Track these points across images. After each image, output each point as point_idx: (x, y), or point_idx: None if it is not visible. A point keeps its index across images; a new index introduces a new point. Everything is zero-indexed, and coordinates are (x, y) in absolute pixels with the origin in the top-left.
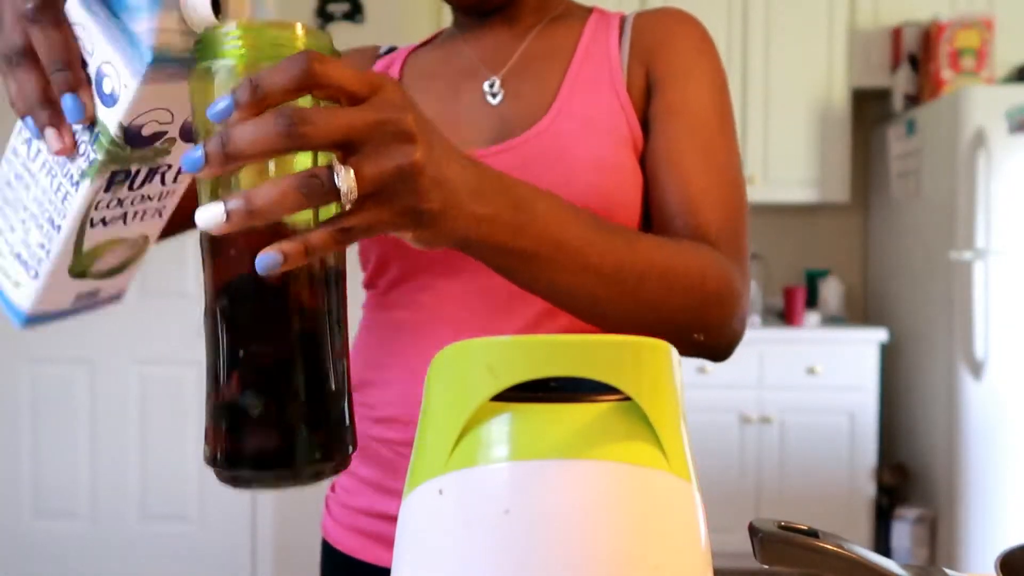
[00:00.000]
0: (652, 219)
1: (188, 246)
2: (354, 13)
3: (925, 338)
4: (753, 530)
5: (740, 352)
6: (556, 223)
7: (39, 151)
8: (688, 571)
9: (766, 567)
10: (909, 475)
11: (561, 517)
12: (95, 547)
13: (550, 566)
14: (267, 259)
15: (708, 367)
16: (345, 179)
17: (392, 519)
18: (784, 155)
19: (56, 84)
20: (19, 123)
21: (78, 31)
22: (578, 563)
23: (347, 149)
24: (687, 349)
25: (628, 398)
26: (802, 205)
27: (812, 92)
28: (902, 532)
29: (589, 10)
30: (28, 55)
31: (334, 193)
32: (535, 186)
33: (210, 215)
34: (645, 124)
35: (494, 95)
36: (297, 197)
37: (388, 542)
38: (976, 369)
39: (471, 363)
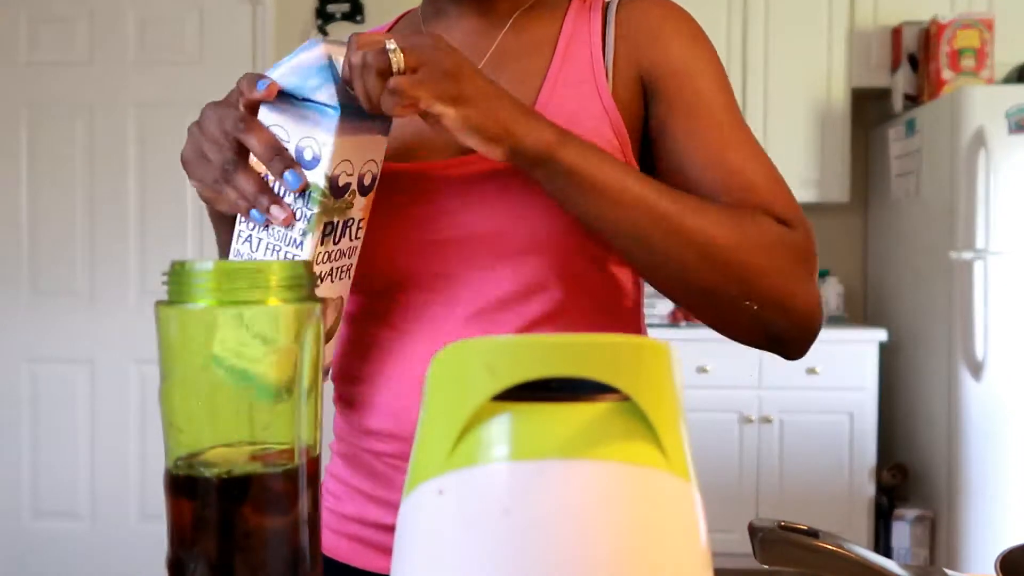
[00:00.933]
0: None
1: (188, 246)
2: (354, 13)
3: (925, 338)
4: (753, 530)
5: (740, 352)
6: (592, 154)
7: (260, 240)
8: (688, 571)
9: (766, 567)
10: (909, 475)
11: (561, 517)
12: (95, 547)
13: (550, 566)
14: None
15: (708, 367)
16: (395, 53)
17: (383, 527)
18: (784, 155)
19: (275, 168)
20: (237, 229)
21: (274, 129)
22: (578, 563)
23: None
24: (759, 334)
25: (628, 398)
26: (802, 205)
27: (812, 92)
28: (902, 532)
29: None
30: (241, 162)
31: (384, 56)
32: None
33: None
34: (633, 124)
35: None
36: (359, 58)
37: (380, 548)
38: (976, 369)
39: (471, 363)
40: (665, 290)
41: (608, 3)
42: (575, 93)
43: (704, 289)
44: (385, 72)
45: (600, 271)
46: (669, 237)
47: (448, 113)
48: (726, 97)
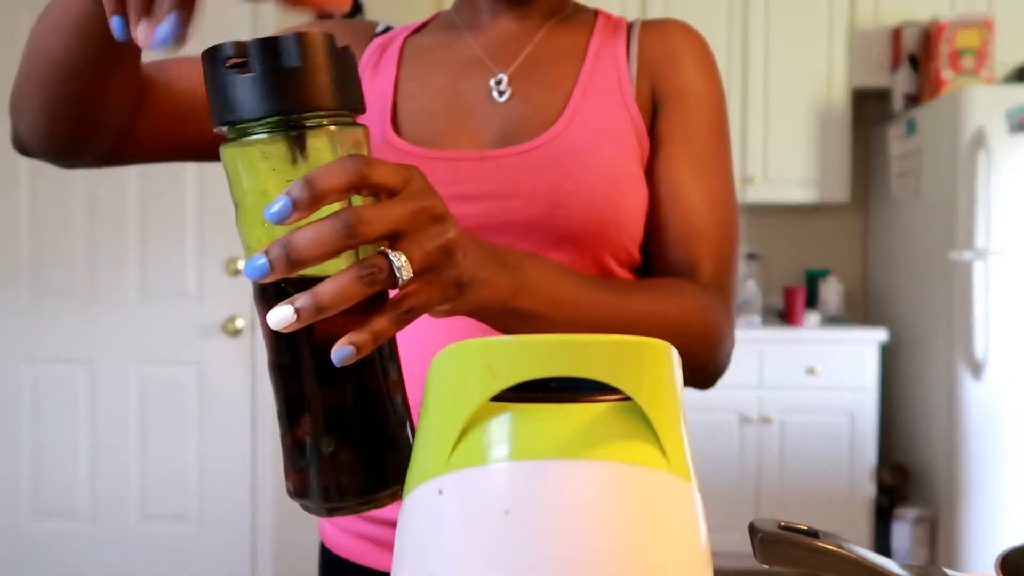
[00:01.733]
0: (649, 240)
1: (188, 246)
2: (354, 12)
3: (925, 338)
4: (753, 530)
5: (740, 352)
6: (547, 283)
7: None
8: (688, 571)
9: (766, 567)
10: (909, 475)
11: (561, 517)
12: (95, 547)
13: (550, 566)
14: (342, 353)
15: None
16: (403, 264)
17: (391, 524)
18: (784, 155)
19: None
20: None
21: None
22: (578, 563)
23: (394, 237)
24: None
25: (628, 398)
26: (802, 205)
27: (812, 92)
28: (902, 532)
29: (594, 12)
30: None
31: (392, 277)
32: (520, 250)
33: (282, 316)
34: (650, 136)
35: (501, 93)
36: (360, 287)
37: (388, 546)
38: (976, 369)
39: (471, 363)
40: None
41: (631, 24)
42: (603, 101)
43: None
44: (384, 285)
45: (619, 268)
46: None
47: (436, 310)
48: (713, 129)
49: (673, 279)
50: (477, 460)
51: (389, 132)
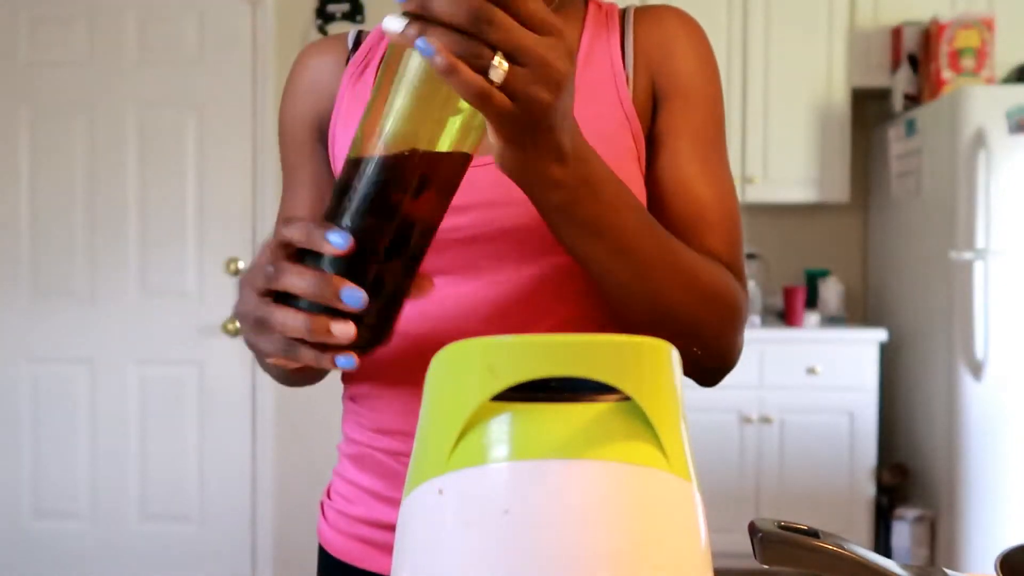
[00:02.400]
0: None
1: (189, 246)
2: (354, 13)
3: (925, 338)
4: (753, 530)
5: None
6: (616, 206)
7: None
8: (688, 571)
9: (766, 567)
10: (909, 475)
11: (561, 517)
12: (95, 547)
13: (550, 566)
14: (425, 46)
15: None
16: (498, 70)
17: (393, 528)
18: (784, 155)
19: (325, 293)
20: None
21: None
22: (578, 563)
23: (511, 59)
24: (684, 365)
25: (628, 398)
26: (802, 205)
27: (812, 92)
28: (902, 532)
29: (584, 1)
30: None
31: (483, 68)
32: (605, 167)
33: (394, 24)
34: (647, 129)
35: None
36: (457, 48)
37: (389, 549)
38: (976, 369)
39: (471, 363)
40: (629, 311)
41: (624, 11)
42: (597, 99)
43: (678, 319)
44: (477, 65)
45: None
46: (666, 269)
47: (504, 149)
48: (714, 120)
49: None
50: (477, 460)
51: None
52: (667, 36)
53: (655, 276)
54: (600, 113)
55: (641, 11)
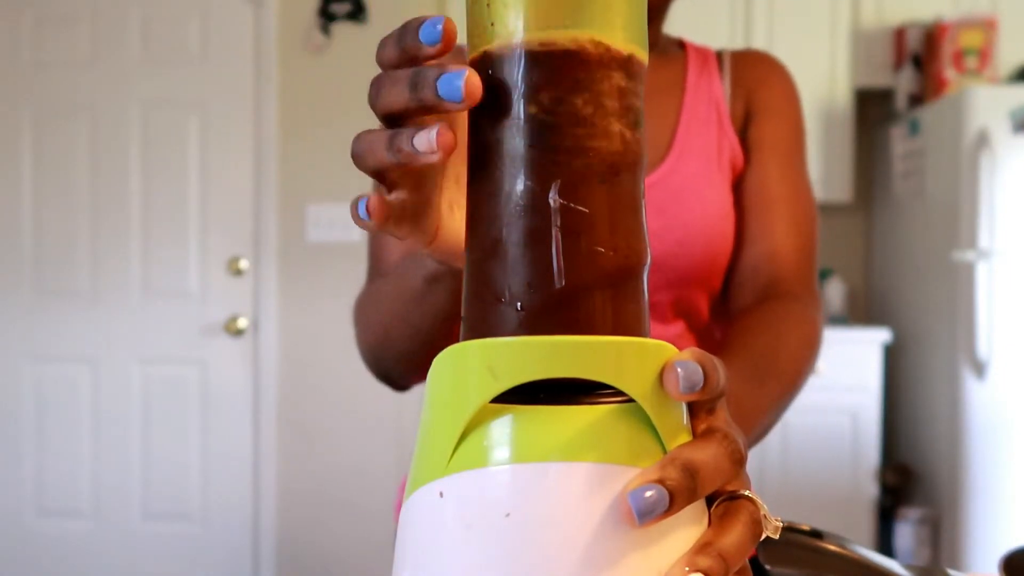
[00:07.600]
0: (737, 254)
1: (191, 246)
2: (356, 13)
3: (928, 338)
4: None
5: None
6: (742, 403)
7: None
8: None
9: (768, 567)
10: (912, 475)
11: (563, 520)
12: (98, 546)
13: (551, 569)
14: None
15: None
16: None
17: None
18: None
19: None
20: None
21: None
22: (580, 567)
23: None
24: None
25: (631, 400)
26: None
27: (815, 92)
28: (905, 532)
29: (680, 43)
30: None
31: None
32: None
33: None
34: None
35: None
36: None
37: None
38: (979, 369)
39: (471, 364)
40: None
41: (719, 53)
42: (706, 131)
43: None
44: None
45: (704, 300)
46: (780, 412)
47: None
48: (799, 143)
49: (773, 312)
50: (478, 462)
51: None
52: (760, 70)
53: (772, 423)
54: (709, 141)
55: (738, 54)
